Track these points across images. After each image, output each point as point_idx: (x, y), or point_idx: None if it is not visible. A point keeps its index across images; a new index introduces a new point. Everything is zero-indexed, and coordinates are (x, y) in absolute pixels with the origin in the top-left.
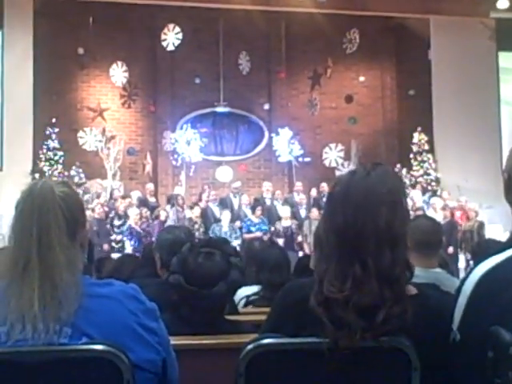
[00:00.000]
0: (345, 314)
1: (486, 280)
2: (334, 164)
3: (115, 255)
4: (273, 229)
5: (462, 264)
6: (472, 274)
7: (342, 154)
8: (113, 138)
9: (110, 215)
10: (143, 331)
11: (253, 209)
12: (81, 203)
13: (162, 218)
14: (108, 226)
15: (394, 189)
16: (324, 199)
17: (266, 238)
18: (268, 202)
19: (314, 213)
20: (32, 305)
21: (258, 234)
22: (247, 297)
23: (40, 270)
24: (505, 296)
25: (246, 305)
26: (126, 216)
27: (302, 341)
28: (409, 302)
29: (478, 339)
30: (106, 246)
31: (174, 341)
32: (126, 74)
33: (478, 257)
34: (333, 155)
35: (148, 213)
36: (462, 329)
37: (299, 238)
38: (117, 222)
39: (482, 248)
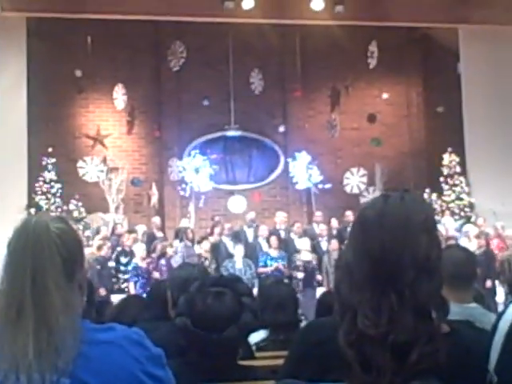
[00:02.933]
0: (378, 354)
1: None
2: (355, 190)
3: (118, 296)
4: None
5: (500, 298)
6: (509, 308)
7: (364, 179)
8: (115, 169)
9: (116, 252)
10: (148, 380)
11: (267, 241)
12: (79, 240)
13: (169, 254)
14: (113, 264)
15: (430, 216)
16: (348, 230)
17: (285, 271)
18: (282, 234)
19: (334, 245)
20: (26, 352)
21: (276, 264)
22: (256, 344)
23: (35, 314)
24: None
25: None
26: (131, 253)
27: None
28: (442, 340)
29: None
30: (102, 291)
31: None
32: (128, 97)
33: None
34: (355, 181)
35: (159, 247)
36: (499, 370)
37: (319, 275)
38: (123, 260)
39: None
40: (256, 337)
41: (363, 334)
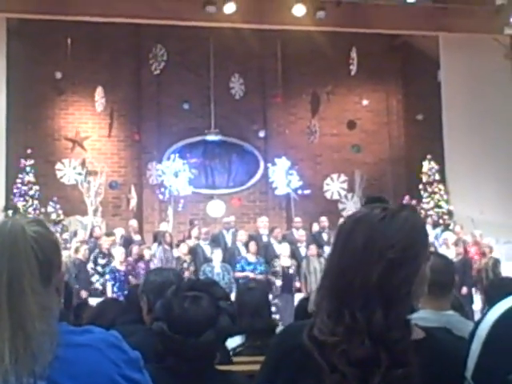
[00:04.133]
0: (335, 360)
1: (502, 323)
2: (336, 196)
3: (95, 300)
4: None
5: (477, 306)
6: (487, 316)
7: (345, 185)
8: (95, 172)
9: (93, 254)
10: (125, 383)
11: (246, 245)
12: (56, 244)
13: (147, 257)
14: (91, 266)
15: (406, 243)
16: (324, 235)
17: (262, 277)
18: (265, 239)
19: (313, 250)
20: (2, 358)
21: (250, 274)
22: (232, 350)
23: (11, 319)
24: None
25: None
26: (109, 255)
27: None
28: (415, 364)
29: None
30: (83, 293)
31: None
32: (108, 100)
33: (491, 297)
34: (335, 187)
35: (136, 250)
36: (476, 377)
37: (297, 279)
38: (101, 261)
39: (497, 288)
40: (231, 342)
41: (318, 340)
